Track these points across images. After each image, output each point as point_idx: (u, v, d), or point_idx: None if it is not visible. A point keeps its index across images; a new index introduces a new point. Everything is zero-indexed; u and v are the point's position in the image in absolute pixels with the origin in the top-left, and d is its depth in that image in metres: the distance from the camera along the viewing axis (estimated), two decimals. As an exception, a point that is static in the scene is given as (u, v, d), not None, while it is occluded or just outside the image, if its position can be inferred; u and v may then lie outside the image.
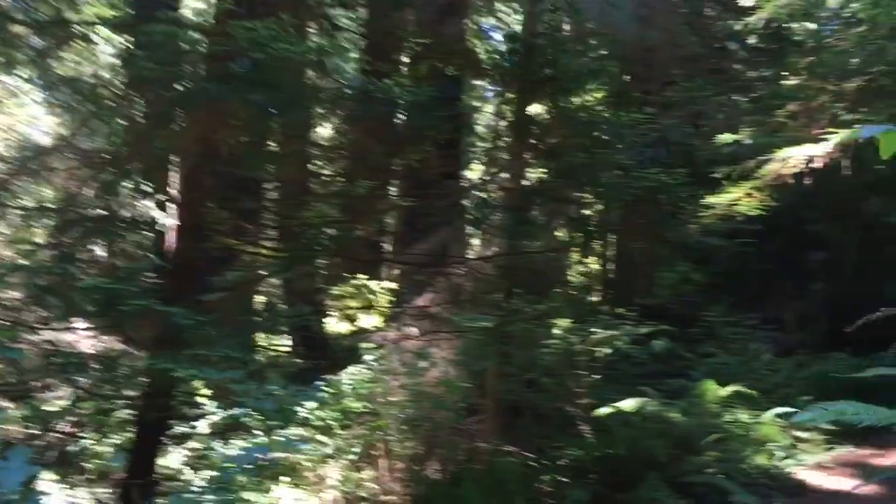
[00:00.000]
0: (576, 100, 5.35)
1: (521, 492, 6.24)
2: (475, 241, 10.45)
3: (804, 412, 3.00)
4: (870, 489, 6.23)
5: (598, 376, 8.14)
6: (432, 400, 7.09)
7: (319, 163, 7.16)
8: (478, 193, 7.11)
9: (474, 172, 11.55)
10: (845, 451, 7.56)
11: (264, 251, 5.91)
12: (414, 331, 6.97)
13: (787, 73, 8.76)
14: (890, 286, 14.29)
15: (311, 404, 5.63)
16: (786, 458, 7.02)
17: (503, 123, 11.72)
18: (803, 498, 6.09)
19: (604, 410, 7.15)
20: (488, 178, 7.62)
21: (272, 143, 6.53)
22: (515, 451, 7.12)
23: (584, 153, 5.33)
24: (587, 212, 8.31)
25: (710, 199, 7.88)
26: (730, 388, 8.16)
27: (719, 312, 14.14)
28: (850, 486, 6.23)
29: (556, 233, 10.52)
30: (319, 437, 6.10)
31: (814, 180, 13.11)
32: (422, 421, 6.82)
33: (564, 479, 6.08)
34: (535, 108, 5.98)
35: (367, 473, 6.21)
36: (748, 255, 14.09)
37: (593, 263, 16.37)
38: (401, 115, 6.57)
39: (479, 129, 15.17)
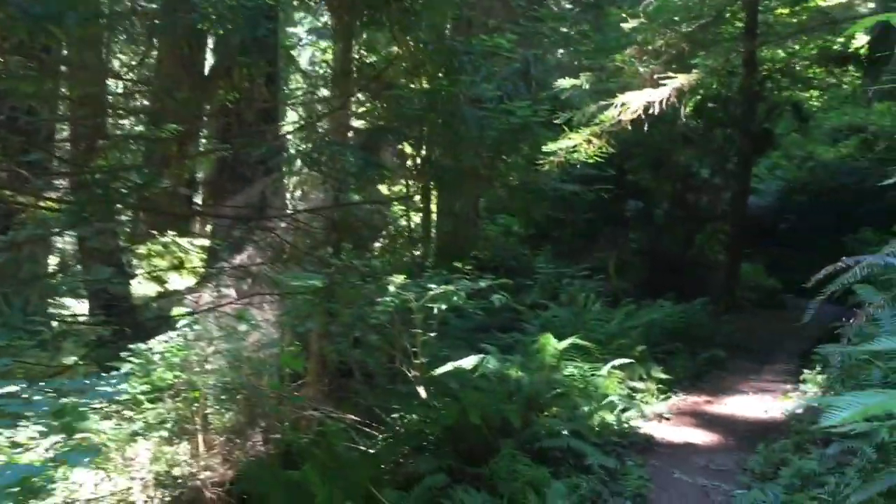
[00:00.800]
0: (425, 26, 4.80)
1: (360, 467, 5.80)
2: (298, 192, 9.73)
3: (835, 412, 2.41)
4: (710, 440, 6.46)
5: (434, 334, 7.89)
6: (253, 366, 6.60)
7: (117, 99, 6.16)
8: (300, 137, 6.45)
9: (297, 113, 10.71)
10: (679, 400, 7.88)
11: (51, 204, 4.88)
12: (231, 292, 6.28)
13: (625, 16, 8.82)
14: (701, 237, 15.47)
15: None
16: (627, 409, 7.14)
17: (332, 55, 10.93)
18: (654, 453, 6.18)
19: (442, 369, 6.89)
20: (313, 119, 6.94)
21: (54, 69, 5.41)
22: (350, 419, 6.72)
23: (430, 89, 4.83)
24: (420, 156, 7.89)
25: (550, 146, 7.72)
26: (567, 342, 8.18)
27: (545, 263, 14.47)
28: (692, 437, 6.43)
29: (389, 181, 10.01)
30: (126, 413, 5.40)
31: (633, 130, 13.68)
32: (242, 389, 6.33)
33: (408, 452, 5.70)
34: (375, 37, 5.37)
35: (181, 449, 5.59)
36: (571, 204, 14.54)
37: (418, 216, 16.07)
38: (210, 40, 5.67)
39: (304, 63, 14.21)
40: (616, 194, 14.77)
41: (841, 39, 12.55)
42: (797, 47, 13.30)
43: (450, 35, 8.19)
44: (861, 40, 14.30)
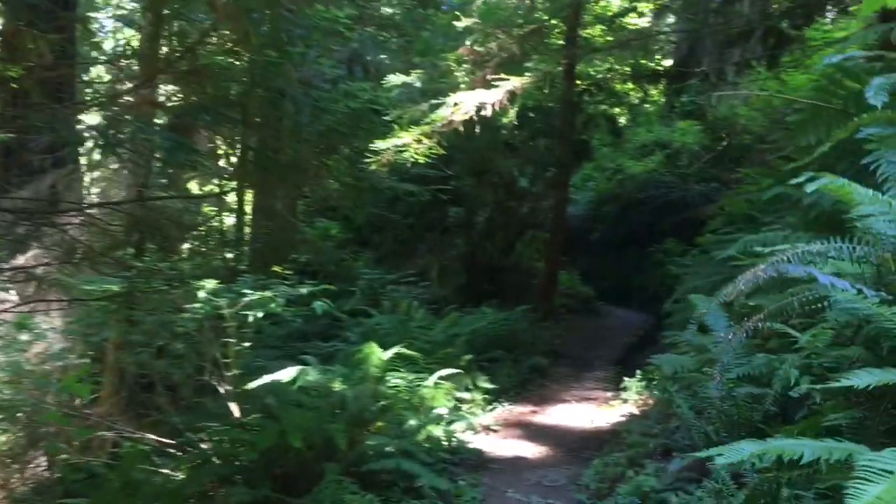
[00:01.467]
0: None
1: (161, 496, 5.18)
2: (96, 185, 8.72)
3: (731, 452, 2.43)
4: (541, 453, 6.47)
5: (249, 343, 7.39)
6: (36, 380, 5.81)
7: None
8: (98, 122, 5.71)
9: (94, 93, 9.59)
10: (506, 410, 7.89)
11: None
12: (12, 297, 5.47)
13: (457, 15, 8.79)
14: (521, 245, 15.93)
15: None
16: (455, 422, 7.01)
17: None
18: (486, 470, 6.07)
19: (257, 383, 6.39)
20: (113, 99, 6.18)
21: None
22: (151, 439, 6.06)
23: (254, 61, 4.35)
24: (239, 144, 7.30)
25: (379, 143, 7.45)
26: (391, 351, 7.95)
27: (366, 268, 14.25)
28: (523, 450, 6.41)
29: (202, 174, 9.27)
30: None
31: (453, 139, 13.75)
32: (22, 407, 5.58)
33: (218, 480, 5.17)
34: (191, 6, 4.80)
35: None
36: (392, 208, 14.41)
37: (232, 216, 15.22)
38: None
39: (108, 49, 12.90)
40: (438, 200, 14.86)
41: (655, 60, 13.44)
42: (613, 64, 14.09)
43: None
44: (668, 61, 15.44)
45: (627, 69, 14.08)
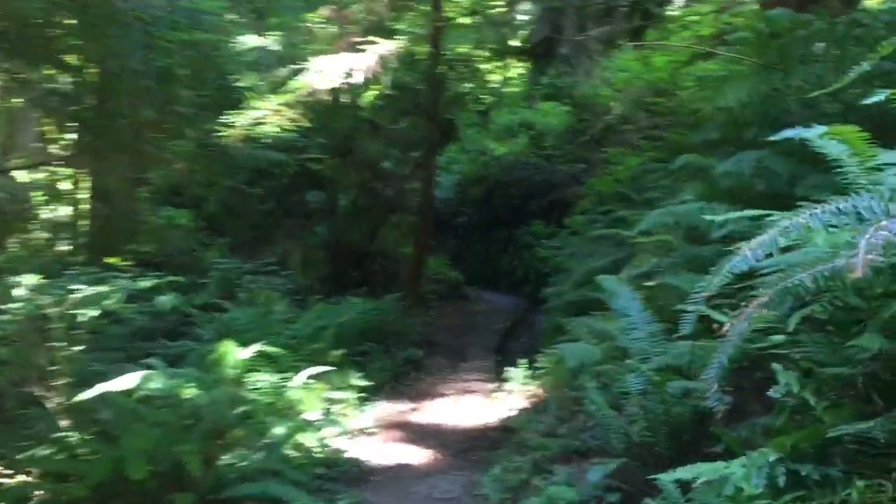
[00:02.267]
0: None
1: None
2: None
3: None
4: (427, 458, 5.86)
5: (83, 347, 6.38)
6: None
7: None
8: None
9: None
10: (381, 409, 7.23)
11: None
12: None
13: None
14: (386, 230, 15.28)
15: None
16: (328, 427, 6.28)
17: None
18: (367, 483, 5.36)
19: (91, 393, 5.40)
20: None
21: None
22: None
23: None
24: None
25: (232, 117, 6.55)
26: (251, 349, 7.10)
27: (219, 258, 13.16)
28: (406, 455, 5.79)
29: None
30: None
31: (316, 113, 12.88)
32: None
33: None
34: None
35: None
36: (245, 193, 13.35)
37: (65, 204, 13.68)
38: None
39: None
40: (298, 183, 13.93)
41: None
42: (477, 40, 13.70)
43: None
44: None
45: (492, 45, 13.73)
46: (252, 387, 6.82)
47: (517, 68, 14.79)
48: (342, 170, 13.71)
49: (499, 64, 14.04)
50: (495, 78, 15.28)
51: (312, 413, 6.62)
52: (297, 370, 7.36)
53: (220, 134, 6.66)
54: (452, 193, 18.22)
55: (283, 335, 8.11)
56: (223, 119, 6.63)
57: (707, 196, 4.16)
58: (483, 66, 13.88)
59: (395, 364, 8.71)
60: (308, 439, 5.92)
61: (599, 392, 3.91)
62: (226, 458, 5.13)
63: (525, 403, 6.75)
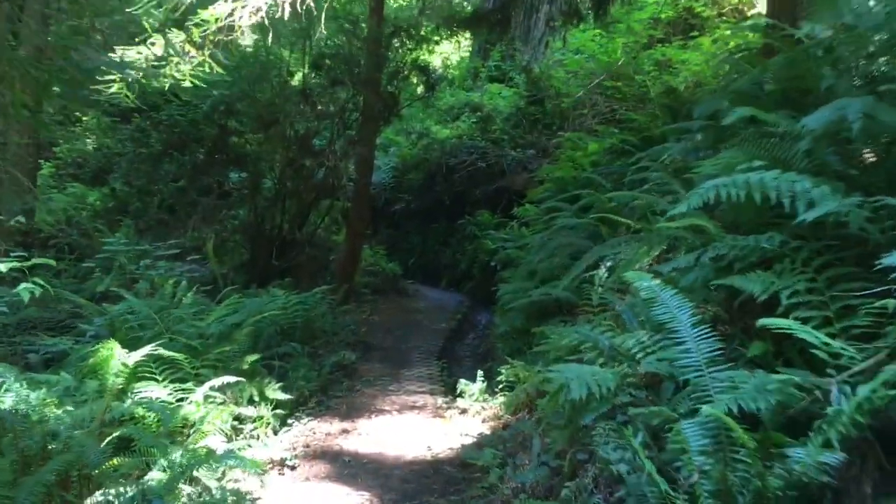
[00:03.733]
0: None
1: None
2: None
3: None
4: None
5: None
6: None
7: None
8: None
9: None
10: (306, 430, 5.87)
11: None
12: None
13: None
14: (316, 215, 13.82)
15: None
16: (232, 458, 4.89)
17: None
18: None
19: None
20: None
21: None
22: None
23: None
24: None
25: (123, 51, 5.09)
26: (142, 352, 5.69)
27: (123, 241, 11.58)
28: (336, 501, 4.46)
29: None
30: None
31: (240, 74, 11.32)
32: None
33: None
34: None
35: None
36: (153, 167, 11.73)
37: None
38: None
39: None
40: (215, 158, 12.37)
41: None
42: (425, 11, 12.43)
43: None
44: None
45: (441, 12, 12.48)
46: (139, 401, 5.42)
47: (466, 40, 13.53)
48: (266, 144, 12.23)
49: (447, 34, 12.74)
50: (443, 50, 13.99)
51: (214, 437, 5.24)
52: (201, 379, 5.97)
53: (102, 80, 5.19)
54: (389, 178, 16.86)
55: (189, 335, 6.68)
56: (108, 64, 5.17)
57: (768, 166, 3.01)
58: (430, 35, 12.58)
59: (322, 370, 7.34)
60: (206, 476, 4.55)
61: (642, 446, 2.68)
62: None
63: (484, 428, 5.52)
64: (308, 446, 5.47)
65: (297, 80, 12.41)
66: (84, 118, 15.39)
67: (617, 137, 10.24)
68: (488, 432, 5.35)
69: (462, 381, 6.56)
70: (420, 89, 13.48)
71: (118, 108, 11.82)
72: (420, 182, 16.23)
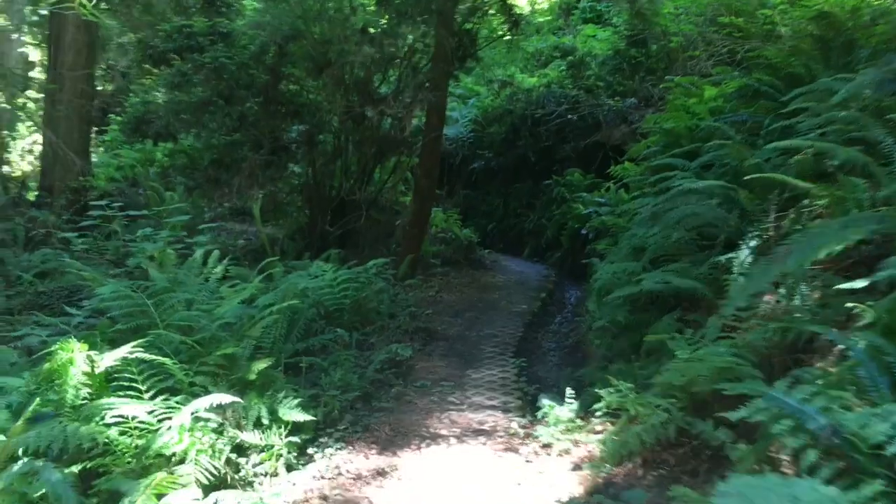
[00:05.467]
0: None
1: None
2: None
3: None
4: None
5: None
6: None
7: None
8: None
9: None
10: (330, 465, 4.32)
11: None
12: None
13: None
14: (381, 173, 12.26)
15: None
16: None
17: None
18: None
19: None
20: None
21: None
22: None
23: None
24: None
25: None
26: (117, 354, 4.30)
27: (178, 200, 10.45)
28: None
29: None
30: None
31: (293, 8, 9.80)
32: None
33: None
34: None
35: None
36: (196, 116, 10.34)
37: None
38: None
39: None
40: (267, 109, 10.90)
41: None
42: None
43: None
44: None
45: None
46: (109, 421, 4.03)
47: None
48: (323, 91, 10.68)
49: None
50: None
51: (195, 483, 3.76)
52: (195, 391, 4.52)
53: None
54: (467, 132, 15.09)
55: (197, 324, 5.23)
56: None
57: None
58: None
59: (366, 374, 5.78)
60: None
61: None
62: None
63: (574, 482, 3.82)
64: (326, 499, 3.91)
65: (360, 18, 10.77)
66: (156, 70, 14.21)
67: (746, 79, 8.19)
68: (581, 493, 3.67)
69: (545, 399, 4.87)
70: (503, 28, 11.62)
71: (158, 51, 10.51)
72: (502, 136, 14.42)
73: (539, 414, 4.83)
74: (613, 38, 14.09)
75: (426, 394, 5.63)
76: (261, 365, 4.63)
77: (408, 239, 10.11)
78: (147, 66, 11.66)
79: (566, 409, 4.63)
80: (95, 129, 19.10)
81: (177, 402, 4.27)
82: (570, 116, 13.16)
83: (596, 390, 4.42)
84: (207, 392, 4.53)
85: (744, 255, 4.70)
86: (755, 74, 8.47)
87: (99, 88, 19.40)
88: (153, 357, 4.34)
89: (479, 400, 5.45)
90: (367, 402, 5.39)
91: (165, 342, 4.81)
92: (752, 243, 4.75)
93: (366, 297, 7.54)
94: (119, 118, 18.52)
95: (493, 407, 5.29)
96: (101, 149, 19.53)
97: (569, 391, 4.70)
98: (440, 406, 5.33)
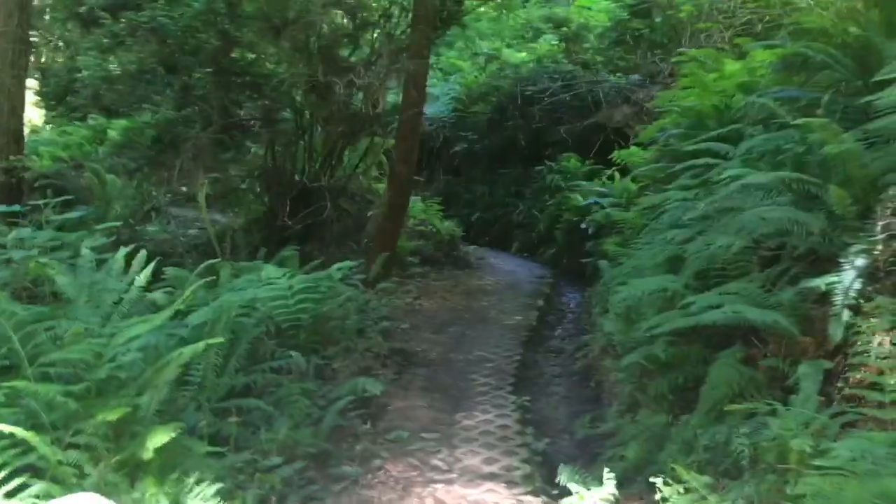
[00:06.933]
0: None
1: None
2: None
3: None
4: None
5: None
6: None
7: None
8: None
9: None
10: None
11: None
12: None
13: None
14: (350, 156, 10.80)
15: None
16: None
17: None
18: None
19: None
20: None
21: None
22: None
23: None
24: None
25: None
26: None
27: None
28: None
29: None
30: None
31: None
32: None
33: None
34: None
35: None
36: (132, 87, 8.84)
37: None
38: None
39: None
40: (220, 80, 9.41)
41: None
42: None
43: None
44: None
45: None
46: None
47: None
48: (283, 59, 9.20)
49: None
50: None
51: None
52: (59, 478, 3.14)
53: None
54: (449, 111, 13.68)
55: (70, 368, 3.80)
56: None
57: None
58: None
59: (324, 421, 4.40)
60: None
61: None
62: None
63: None
64: None
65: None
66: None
67: (794, 47, 6.85)
68: None
69: (568, 475, 3.52)
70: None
71: (87, 8, 8.97)
72: (488, 117, 13.05)
73: (558, 485, 3.50)
74: (612, 9, 12.72)
75: (403, 452, 4.25)
76: (161, 437, 3.20)
77: (381, 234, 8.70)
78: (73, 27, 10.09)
79: (599, 496, 3.27)
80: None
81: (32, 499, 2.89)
82: (563, 95, 11.80)
83: (652, 480, 3.08)
84: (82, 475, 3.15)
85: (848, 278, 3.37)
86: (797, 45, 7.17)
87: (43, 60, 17.84)
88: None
89: (473, 464, 4.09)
90: (323, 467, 4.01)
91: (32, 395, 3.41)
92: (859, 262, 3.42)
93: (328, 311, 6.15)
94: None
95: (492, 476, 3.93)
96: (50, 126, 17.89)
97: (607, 472, 3.34)
98: (422, 475, 3.96)
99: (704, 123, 7.22)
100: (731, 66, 7.93)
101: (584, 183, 10.51)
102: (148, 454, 3.13)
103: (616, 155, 9.44)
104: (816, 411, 2.92)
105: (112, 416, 3.25)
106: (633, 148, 9.36)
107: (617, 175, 9.82)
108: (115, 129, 14.82)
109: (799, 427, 2.78)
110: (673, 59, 10.49)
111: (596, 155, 11.01)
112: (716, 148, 5.64)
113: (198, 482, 3.22)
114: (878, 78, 4.54)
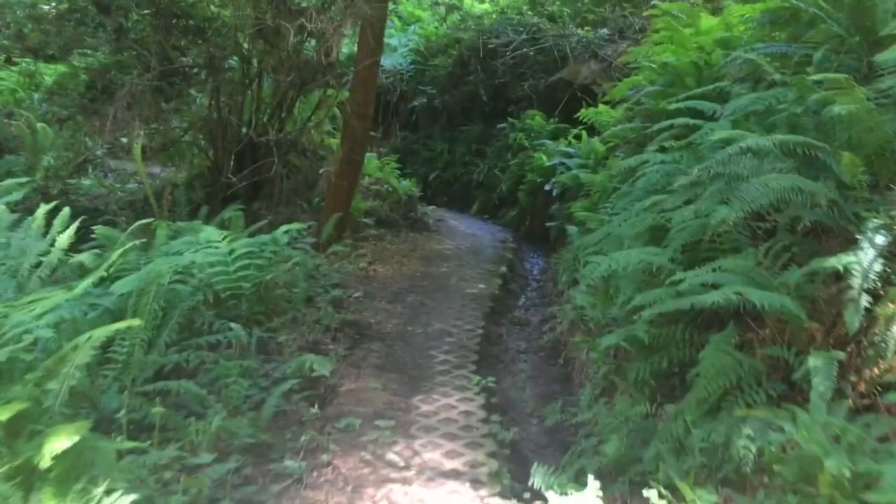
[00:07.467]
0: None
1: None
2: None
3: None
4: None
5: None
6: None
7: None
8: None
9: None
10: None
11: None
12: None
13: None
14: (301, 109, 10.12)
15: None
16: None
17: None
18: None
19: None
20: None
21: None
22: None
23: None
24: None
25: None
26: None
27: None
28: None
29: None
30: None
31: None
32: None
33: None
34: None
35: None
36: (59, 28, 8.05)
37: None
38: None
39: None
40: (160, 23, 8.65)
41: None
42: None
43: None
44: None
45: None
46: None
47: None
48: (230, 1, 8.46)
49: None
50: None
51: None
52: None
53: None
54: (408, 63, 13.02)
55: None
56: None
57: None
58: None
59: (266, 405, 3.91)
60: None
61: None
62: None
63: None
64: None
65: None
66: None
67: (774, 2, 6.40)
68: None
69: (541, 476, 3.09)
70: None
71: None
72: (448, 70, 12.46)
73: (533, 485, 3.08)
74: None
75: (354, 444, 3.79)
76: (62, 441, 2.66)
77: (334, 193, 8.13)
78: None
79: (585, 498, 2.85)
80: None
81: None
82: (529, 49, 11.25)
83: (645, 494, 2.66)
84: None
85: (867, 258, 2.97)
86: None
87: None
88: None
89: (433, 458, 3.65)
90: (262, 462, 3.53)
91: None
92: (879, 239, 3.01)
93: (274, 278, 5.61)
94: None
95: (455, 474, 3.49)
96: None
97: (591, 480, 2.91)
98: (375, 472, 3.50)
99: (682, 81, 6.79)
100: (708, 20, 7.49)
101: (548, 142, 10.02)
102: (45, 462, 2.60)
103: (583, 113, 8.96)
104: (845, 418, 2.51)
105: (4, 414, 2.70)
106: (601, 106, 8.90)
107: (584, 134, 9.36)
108: (51, 75, 13.85)
109: (818, 433, 2.37)
110: (645, 12, 10.03)
111: (562, 113, 10.52)
112: (700, 107, 5.20)
113: (108, 492, 2.70)
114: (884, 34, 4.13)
